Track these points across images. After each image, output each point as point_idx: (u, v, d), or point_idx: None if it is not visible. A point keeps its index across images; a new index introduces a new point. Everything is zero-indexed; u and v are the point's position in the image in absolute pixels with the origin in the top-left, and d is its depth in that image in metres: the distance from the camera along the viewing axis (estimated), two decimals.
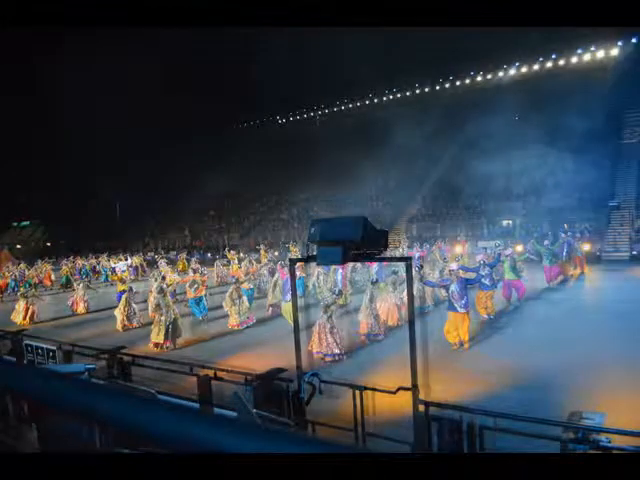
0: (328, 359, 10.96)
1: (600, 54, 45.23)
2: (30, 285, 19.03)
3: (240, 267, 22.60)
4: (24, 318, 17.90)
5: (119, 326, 15.72)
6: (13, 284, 27.45)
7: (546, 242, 19.38)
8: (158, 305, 13.35)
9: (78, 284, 20.54)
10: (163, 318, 12.96)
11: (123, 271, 22.18)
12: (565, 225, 23.64)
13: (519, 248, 22.60)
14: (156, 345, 12.93)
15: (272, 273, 19.02)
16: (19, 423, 2.15)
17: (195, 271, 19.42)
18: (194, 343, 13.28)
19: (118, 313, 15.93)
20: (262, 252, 27.62)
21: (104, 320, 17.48)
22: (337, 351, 11.04)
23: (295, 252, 26.64)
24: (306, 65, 54.21)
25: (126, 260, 30.84)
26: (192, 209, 56.97)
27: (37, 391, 0.97)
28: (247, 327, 14.92)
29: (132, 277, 23.25)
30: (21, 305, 18.17)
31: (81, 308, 19.50)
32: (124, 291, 17.83)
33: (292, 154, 58.60)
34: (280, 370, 6.80)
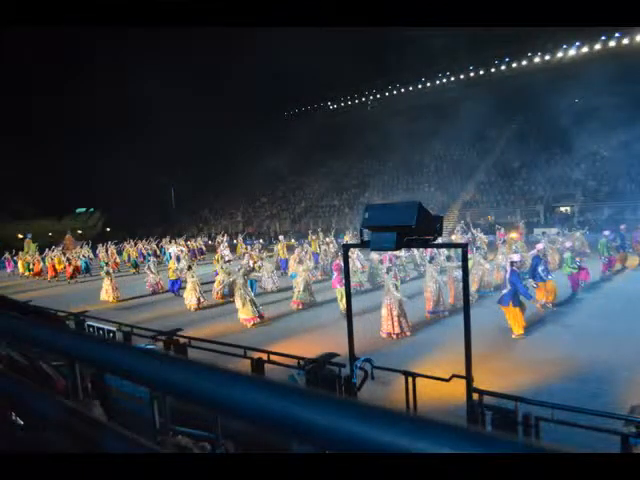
0: (394, 337, 11.38)
1: None
2: (107, 264, 20.13)
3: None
4: (110, 295, 19.01)
5: (192, 307, 16.27)
6: (85, 265, 28.64)
7: (606, 232, 18.48)
8: (234, 283, 13.82)
9: (148, 267, 21.13)
10: (246, 296, 13.62)
11: (178, 258, 22.57)
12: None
13: (578, 235, 21.79)
14: (248, 320, 13.57)
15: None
16: (87, 398, 2.26)
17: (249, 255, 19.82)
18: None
19: (192, 295, 16.43)
20: (312, 240, 27.46)
21: (171, 301, 18.34)
22: (406, 327, 11.56)
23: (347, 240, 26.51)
24: (357, 49, 53.75)
25: (185, 246, 31.62)
26: (244, 195, 57.78)
27: (108, 361, 1.01)
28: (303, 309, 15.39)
29: (191, 260, 23.97)
30: (107, 283, 19.21)
31: (161, 287, 20.48)
32: (178, 280, 18.72)
33: (343, 139, 58.40)
34: (332, 355, 6.81)
